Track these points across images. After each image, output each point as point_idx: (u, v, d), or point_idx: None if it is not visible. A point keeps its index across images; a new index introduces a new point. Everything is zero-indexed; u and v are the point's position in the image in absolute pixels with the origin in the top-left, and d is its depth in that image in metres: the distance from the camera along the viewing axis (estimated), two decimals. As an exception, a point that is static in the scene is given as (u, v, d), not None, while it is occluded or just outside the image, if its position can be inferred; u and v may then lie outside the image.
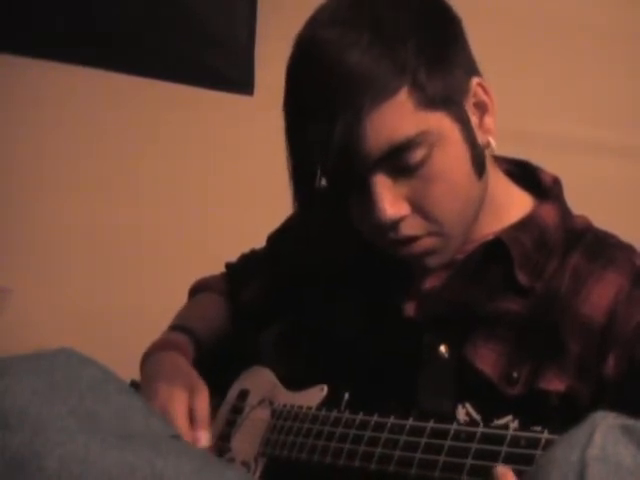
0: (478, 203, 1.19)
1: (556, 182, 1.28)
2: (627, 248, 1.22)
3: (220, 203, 2.32)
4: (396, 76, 1.10)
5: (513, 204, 1.25)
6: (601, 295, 1.16)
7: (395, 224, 1.15)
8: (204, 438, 1.23)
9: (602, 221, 1.26)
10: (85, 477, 0.98)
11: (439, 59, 1.14)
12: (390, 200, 1.14)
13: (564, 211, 1.25)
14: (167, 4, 2.36)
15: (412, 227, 1.16)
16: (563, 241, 1.22)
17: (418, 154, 1.12)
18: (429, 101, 1.12)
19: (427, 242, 1.17)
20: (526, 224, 1.22)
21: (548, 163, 1.31)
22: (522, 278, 1.18)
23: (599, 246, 1.21)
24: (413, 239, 1.16)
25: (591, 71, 2.19)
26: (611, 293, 1.16)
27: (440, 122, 1.13)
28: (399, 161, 1.12)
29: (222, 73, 2.37)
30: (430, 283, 1.23)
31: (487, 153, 1.19)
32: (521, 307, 1.17)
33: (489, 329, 1.16)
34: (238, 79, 2.35)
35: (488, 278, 1.20)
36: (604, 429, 0.84)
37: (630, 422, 0.85)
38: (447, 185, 1.14)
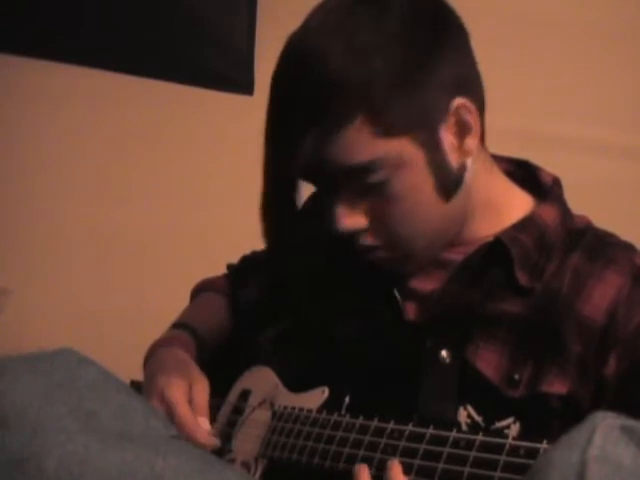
0: (447, 223, 1.19)
1: (556, 182, 1.28)
2: (627, 247, 1.22)
3: (220, 203, 2.32)
4: (354, 103, 1.10)
5: (513, 204, 1.24)
6: (602, 295, 1.16)
7: (353, 234, 1.17)
8: (205, 423, 1.23)
9: (603, 221, 1.26)
10: (84, 477, 0.98)
11: (409, 81, 1.12)
12: (347, 213, 1.16)
13: (564, 211, 1.25)
14: (167, 4, 2.36)
15: (369, 238, 1.18)
16: (563, 241, 1.22)
17: (377, 176, 1.14)
18: (388, 128, 1.12)
19: (387, 253, 1.19)
20: (526, 224, 1.21)
21: (549, 163, 1.31)
22: (522, 278, 1.18)
23: (599, 246, 1.21)
24: (372, 248, 1.18)
25: (593, 71, 2.18)
26: (612, 293, 1.16)
27: (401, 148, 1.13)
28: (358, 179, 1.14)
29: (222, 73, 2.36)
30: (430, 285, 1.22)
31: (466, 174, 1.18)
32: (522, 308, 1.17)
33: (490, 330, 1.16)
34: (238, 79, 2.35)
35: (488, 279, 1.19)
36: (604, 429, 0.84)
37: (630, 422, 0.85)
38: (404, 208, 1.15)
